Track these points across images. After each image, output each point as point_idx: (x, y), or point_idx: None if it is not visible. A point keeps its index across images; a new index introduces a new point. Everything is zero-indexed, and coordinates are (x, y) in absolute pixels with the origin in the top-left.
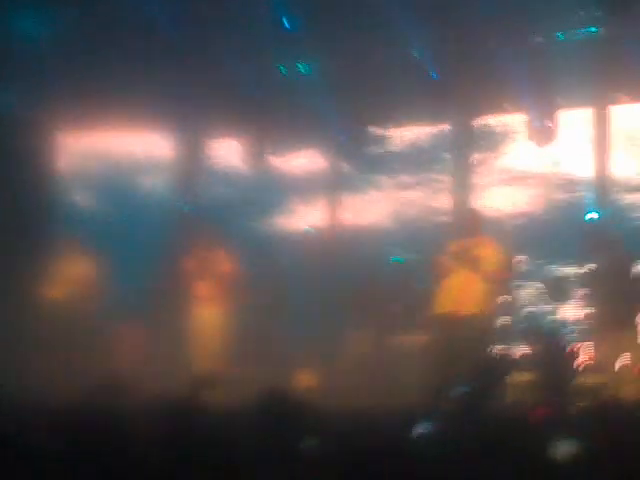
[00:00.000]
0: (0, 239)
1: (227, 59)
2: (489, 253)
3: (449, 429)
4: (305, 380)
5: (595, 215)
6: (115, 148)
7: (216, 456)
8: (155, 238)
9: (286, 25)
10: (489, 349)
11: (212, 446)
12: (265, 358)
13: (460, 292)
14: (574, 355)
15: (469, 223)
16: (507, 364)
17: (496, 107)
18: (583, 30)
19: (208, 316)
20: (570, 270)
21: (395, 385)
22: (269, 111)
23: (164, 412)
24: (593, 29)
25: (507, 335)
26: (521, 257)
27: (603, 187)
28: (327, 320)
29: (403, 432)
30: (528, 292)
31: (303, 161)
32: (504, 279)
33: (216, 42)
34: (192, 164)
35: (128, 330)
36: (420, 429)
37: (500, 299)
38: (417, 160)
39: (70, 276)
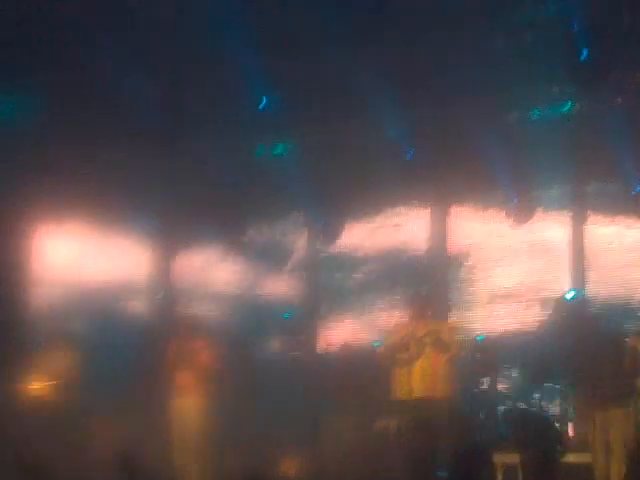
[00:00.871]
0: None
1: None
2: (451, 334)
3: None
4: (288, 466)
5: (573, 293)
6: (91, 239)
7: None
8: (134, 327)
9: (263, 105)
10: (468, 432)
11: None
12: (248, 445)
13: (430, 375)
14: (558, 434)
15: (425, 306)
16: (489, 446)
17: (473, 186)
18: (557, 107)
19: (189, 405)
20: (550, 349)
21: (377, 468)
22: (245, 194)
23: None
24: (567, 105)
25: (487, 415)
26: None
27: (580, 265)
28: (307, 405)
29: None
30: (506, 373)
31: (281, 244)
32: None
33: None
34: (169, 251)
35: (109, 423)
36: None
37: (477, 380)
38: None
39: (50, 370)
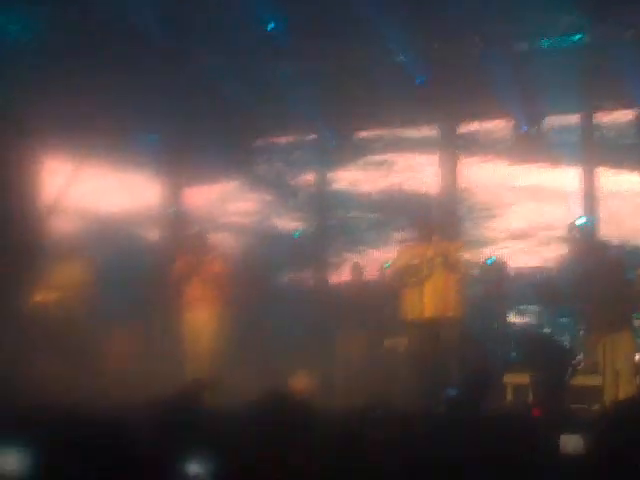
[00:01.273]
0: None
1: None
2: (464, 255)
3: (443, 431)
4: (300, 382)
5: (584, 220)
6: (99, 159)
7: (214, 459)
8: (143, 241)
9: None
10: (478, 351)
11: (209, 448)
12: (259, 360)
13: (440, 294)
14: (567, 356)
15: (438, 229)
16: (498, 366)
17: (481, 112)
18: (567, 37)
19: (201, 319)
20: (561, 272)
21: (387, 387)
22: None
23: (161, 414)
24: (577, 36)
25: (498, 337)
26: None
27: (591, 193)
28: (318, 323)
29: (397, 433)
30: (519, 295)
31: (290, 162)
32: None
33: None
34: (178, 168)
35: (120, 334)
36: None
37: (489, 302)
38: (399, 162)
39: (62, 281)
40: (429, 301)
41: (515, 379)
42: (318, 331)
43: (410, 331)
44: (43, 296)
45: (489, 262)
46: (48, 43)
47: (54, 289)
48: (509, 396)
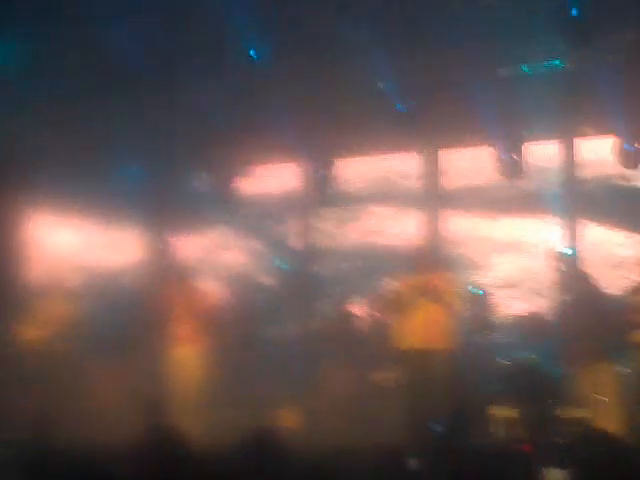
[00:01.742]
0: None
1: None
2: (450, 287)
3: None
4: (286, 419)
5: (568, 250)
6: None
7: None
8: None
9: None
10: (462, 385)
11: None
12: (246, 398)
13: (427, 326)
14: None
15: (429, 258)
16: (482, 400)
17: (464, 139)
18: (547, 63)
19: (186, 356)
20: (543, 304)
21: (374, 422)
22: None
23: (150, 449)
24: (557, 62)
25: (482, 370)
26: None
27: (573, 221)
28: (306, 358)
29: (385, 469)
30: (502, 326)
31: (275, 184)
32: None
33: None
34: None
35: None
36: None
37: (473, 333)
38: (383, 191)
39: (48, 317)
40: (414, 332)
41: (502, 412)
42: (304, 367)
43: (396, 362)
44: (29, 333)
45: (474, 292)
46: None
47: (40, 325)
48: (495, 429)
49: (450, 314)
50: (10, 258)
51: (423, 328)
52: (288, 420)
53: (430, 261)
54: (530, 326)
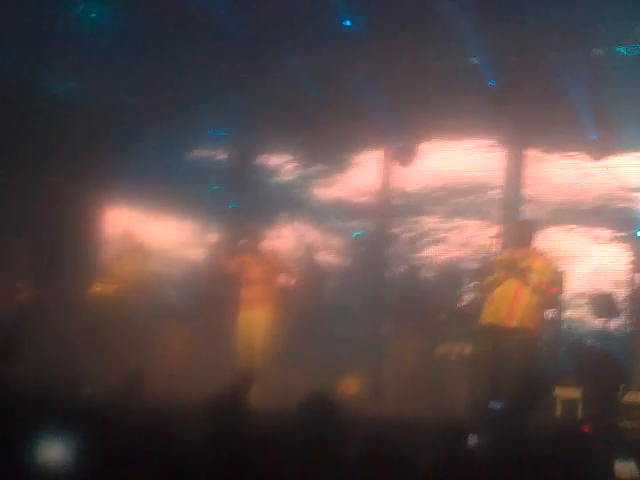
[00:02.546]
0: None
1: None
2: (540, 265)
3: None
4: (350, 387)
5: None
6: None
7: (259, 457)
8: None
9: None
10: (534, 363)
11: (255, 447)
12: (310, 363)
13: (509, 303)
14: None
15: (520, 234)
16: (551, 380)
17: (552, 120)
18: None
19: (254, 318)
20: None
21: (438, 395)
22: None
23: (210, 412)
24: None
25: (554, 350)
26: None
27: None
28: (374, 327)
29: (446, 443)
30: (576, 307)
31: (353, 166)
32: (554, 293)
33: None
34: (241, 165)
35: (176, 330)
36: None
37: (549, 313)
38: (470, 168)
39: (122, 274)
40: (493, 307)
41: (566, 393)
42: (371, 335)
43: (474, 337)
44: (102, 287)
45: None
46: None
47: (113, 281)
48: (559, 410)
49: (537, 293)
50: (94, 225)
51: (501, 304)
52: (352, 389)
53: (524, 238)
54: (602, 305)
